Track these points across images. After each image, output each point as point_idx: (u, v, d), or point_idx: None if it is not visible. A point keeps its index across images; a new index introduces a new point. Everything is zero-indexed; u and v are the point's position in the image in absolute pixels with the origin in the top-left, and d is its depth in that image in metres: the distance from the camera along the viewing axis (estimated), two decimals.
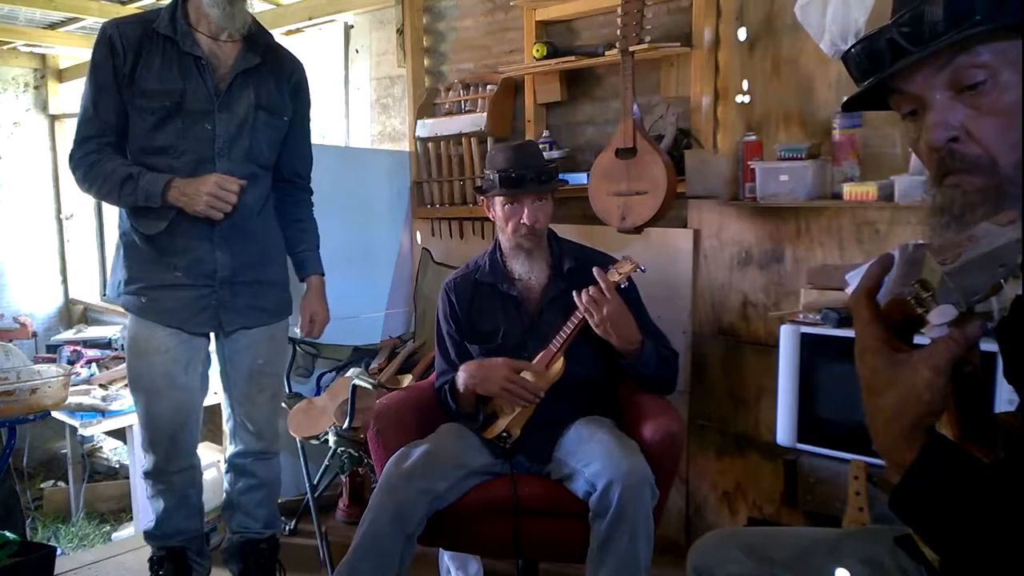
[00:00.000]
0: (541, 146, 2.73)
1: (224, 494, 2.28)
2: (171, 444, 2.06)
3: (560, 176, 2.65)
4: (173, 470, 2.09)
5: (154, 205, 1.91)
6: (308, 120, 2.22)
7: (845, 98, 0.91)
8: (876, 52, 0.82)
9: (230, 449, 2.24)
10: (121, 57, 1.90)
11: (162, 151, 1.94)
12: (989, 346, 0.85)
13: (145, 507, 3.20)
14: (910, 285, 0.75)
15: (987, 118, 0.78)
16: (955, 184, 0.80)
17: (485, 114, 2.88)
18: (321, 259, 2.27)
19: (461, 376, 2.07)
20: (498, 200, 2.11)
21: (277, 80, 2.06)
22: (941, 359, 0.73)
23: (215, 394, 2.28)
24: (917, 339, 0.79)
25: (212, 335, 2.12)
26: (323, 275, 2.27)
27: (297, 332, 2.30)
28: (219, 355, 2.15)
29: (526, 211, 2.07)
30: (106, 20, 2.03)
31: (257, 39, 2.03)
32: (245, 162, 2.01)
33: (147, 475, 2.11)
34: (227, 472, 2.25)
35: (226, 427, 2.24)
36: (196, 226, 1.96)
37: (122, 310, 2.11)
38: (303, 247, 2.24)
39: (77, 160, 1.97)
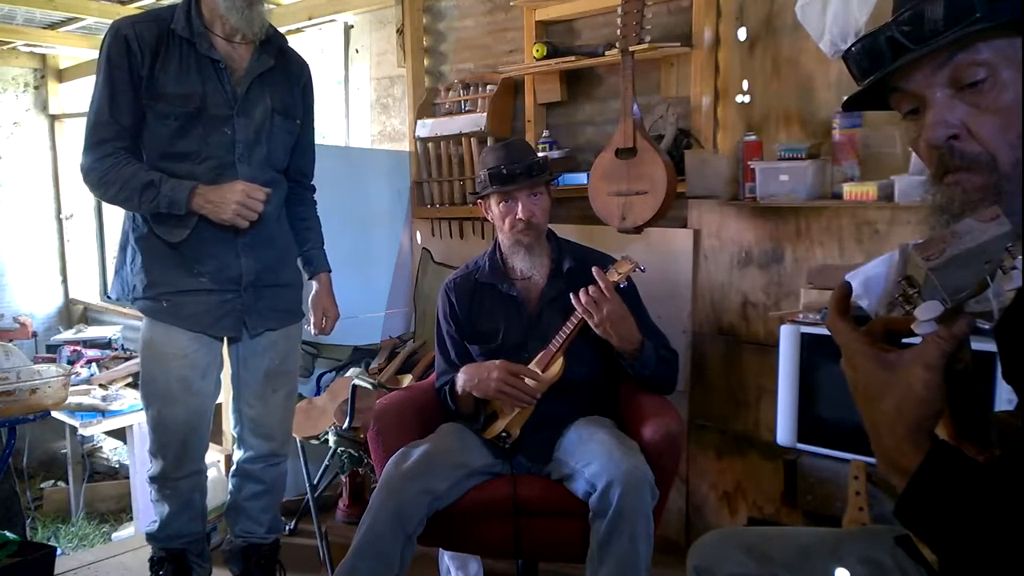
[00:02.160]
0: (541, 146, 2.75)
1: (228, 496, 2.26)
2: (182, 449, 2.05)
3: (560, 176, 2.68)
4: (180, 475, 2.07)
5: (178, 213, 1.88)
6: (313, 120, 2.22)
7: (845, 97, 0.91)
8: (876, 50, 0.82)
9: (238, 454, 2.22)
10: (138, 58, 1.85)
11: (184, 157, 1.92)
12: (988, 346, 0.85)
13: (145, 508, 3.20)
14: (897, 282, 0.75)
15: (987, 116, 0.78)
16: (955, 182, 0.80)
17: (485, 114, 2.88)
18: (327, 256, 2.28)
19: (459, 379, 2.07)
20: (493, 199, 2.12)
21: (288, 83, 2.06)
22: (933, 356, 0.73)
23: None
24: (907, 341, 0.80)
25: (224, 339, 2.11)
26: (330, 271, 2.28)
27: (309, 330, 2.30)
28: (232, 358, 2.14)
29: (520, 206, 2.08)
30: (115, 18, 1.95)
31: (271, 41, 2.01)
32: (264, 167, 2.01)
33: (152, 480, 2.09)
34: (233, 476, 2.24)
35: (233, 432, 2.23)
36: (220, 233, 1.94)
37: (123, 310, 2.10)
38: (309, 245, 2.24)
39: (91, 164, 1.90)
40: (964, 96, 0.79)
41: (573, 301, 1.98)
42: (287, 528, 2.77)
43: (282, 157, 2.07)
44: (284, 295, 2.14)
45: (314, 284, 2.26)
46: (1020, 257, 0.71)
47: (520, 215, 2.08)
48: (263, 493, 2.21)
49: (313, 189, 2.27)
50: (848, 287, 0.84)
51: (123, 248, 2.06)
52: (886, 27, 0.80)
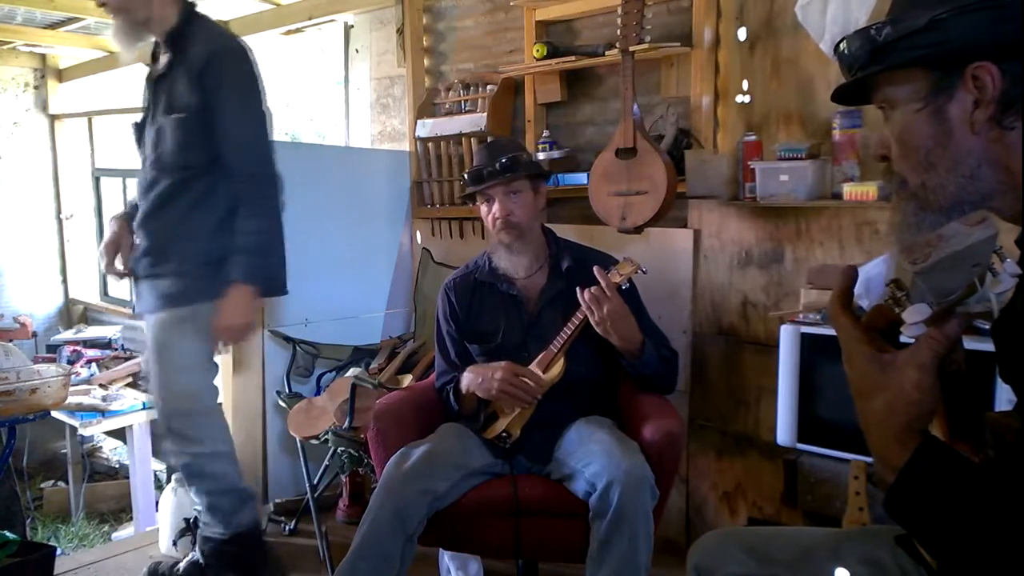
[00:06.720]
0: (541, 146, 2.74)
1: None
2: None
3: (560, 176, 2.68)
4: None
5: None
6: (227, 103, 2.00)
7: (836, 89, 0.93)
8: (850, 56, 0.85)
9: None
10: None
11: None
12: (988, 346, 0.85)
13: (145, 508, 3.21)
14: (886, 285, 0.76)
15: (894, 143, 0.83)
16: (896, 205, 0.84)
17: (485, 114, 2.87)
18: (246, 264, 2.04)
19: (464, 379, 2.07)
20: (479, 201, 2.13)
21: (186, 75, 2.00)
22: (925, 357, 0.73)
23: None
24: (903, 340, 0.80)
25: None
26: (242, 283, 2.03)
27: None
28: None
29: (497, 204, 2.08)
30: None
31: (170, 40, 2.05)
32: (151, 171, 2.09)
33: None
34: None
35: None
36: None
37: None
38: (227, 251, 2.06)
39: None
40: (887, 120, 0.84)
41: (579, 295, 1.98)
42: (287, 528, 2.77)
43: (174, 153, 2.02)
44: (165, 280, 2.09)
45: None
46: (1009, 260, 0.72)
47: (496, 214, 2.07)
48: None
49: (245, 182, 2.03)
50: (853, 276, 0.82)
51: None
52: (858, 33, 0.83)
